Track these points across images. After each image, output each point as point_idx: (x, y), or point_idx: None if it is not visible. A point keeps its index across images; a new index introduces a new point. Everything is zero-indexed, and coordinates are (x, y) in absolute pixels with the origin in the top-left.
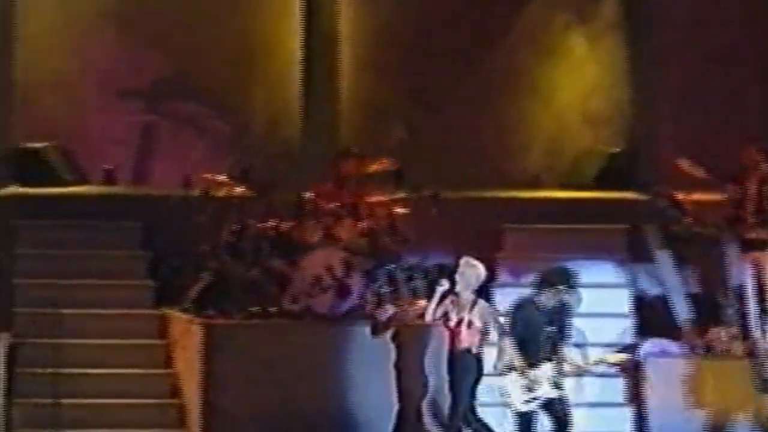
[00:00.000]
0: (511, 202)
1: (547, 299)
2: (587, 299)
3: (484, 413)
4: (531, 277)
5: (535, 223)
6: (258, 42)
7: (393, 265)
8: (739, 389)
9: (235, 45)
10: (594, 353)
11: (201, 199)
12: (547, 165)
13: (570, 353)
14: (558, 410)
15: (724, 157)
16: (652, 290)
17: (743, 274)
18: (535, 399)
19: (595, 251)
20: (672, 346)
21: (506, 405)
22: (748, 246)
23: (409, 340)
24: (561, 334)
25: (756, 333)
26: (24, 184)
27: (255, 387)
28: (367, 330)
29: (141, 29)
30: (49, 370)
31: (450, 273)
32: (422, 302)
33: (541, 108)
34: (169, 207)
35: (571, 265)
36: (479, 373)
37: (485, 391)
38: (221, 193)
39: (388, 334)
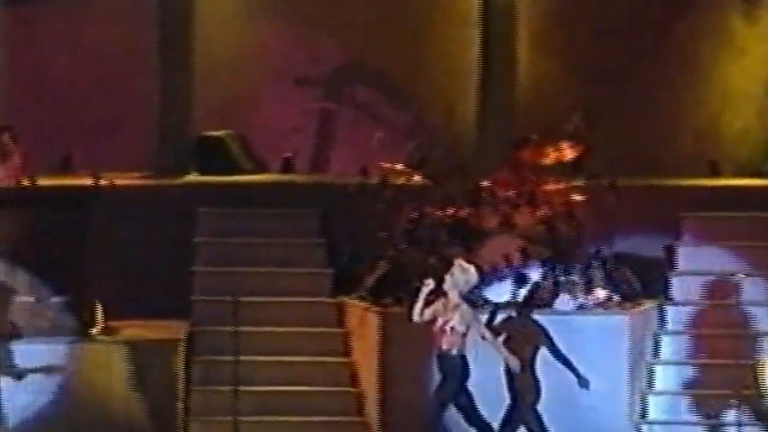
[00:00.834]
0: (690, 190)
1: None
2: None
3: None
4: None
5: (713, 211)
6: (434, 29)
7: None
8: None
9: (409, 36)
10: None
11: (379, 187)
12: (723, 152)
13: None
14: None
15: None
16: None
17: None
18: None
19: None
20: None
21: None
22: None
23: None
24: None
25: None
26: (203, 172)
27: (432, 378)
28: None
29: (316, 17)
30: (228, 358)
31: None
32: (600, 292)
33: (717, 94)
34: (347, 195)
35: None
36: (464, 375)
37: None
38: (399, 181)
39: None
